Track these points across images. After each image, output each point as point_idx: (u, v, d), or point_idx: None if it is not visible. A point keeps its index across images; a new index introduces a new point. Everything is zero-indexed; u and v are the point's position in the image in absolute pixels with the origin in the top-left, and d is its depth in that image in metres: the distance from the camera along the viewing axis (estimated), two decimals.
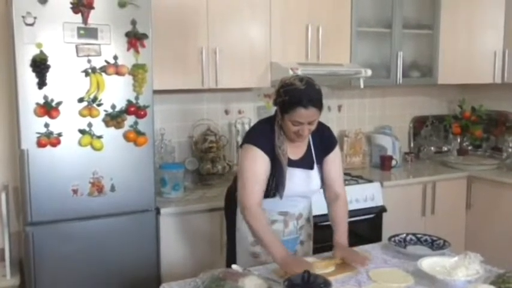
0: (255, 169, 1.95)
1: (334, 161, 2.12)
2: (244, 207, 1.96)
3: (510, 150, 3.85)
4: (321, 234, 2.34)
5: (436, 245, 2.11)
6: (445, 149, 4.19)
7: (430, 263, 1.83)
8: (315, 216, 2.31)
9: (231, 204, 2.20)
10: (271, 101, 3.06)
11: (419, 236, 2.18)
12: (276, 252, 1.86)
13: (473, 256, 1.76)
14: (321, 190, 2.17)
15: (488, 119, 3.98)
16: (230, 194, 2.26)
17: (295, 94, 1.88)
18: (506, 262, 2.41)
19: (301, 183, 2.04)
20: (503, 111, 3.92)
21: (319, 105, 1.91)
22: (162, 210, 2.63)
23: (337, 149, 2.14)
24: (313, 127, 1.95)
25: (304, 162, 2.06)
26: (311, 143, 2.09)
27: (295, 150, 2.04)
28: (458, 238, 3.56)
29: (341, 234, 2.03)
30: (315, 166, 2.08)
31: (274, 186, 2.00)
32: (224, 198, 2.35)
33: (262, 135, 2.00)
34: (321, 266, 1.86)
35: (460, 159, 3.85)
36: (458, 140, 4.15)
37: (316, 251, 2.23)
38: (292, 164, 2.02)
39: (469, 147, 4.11)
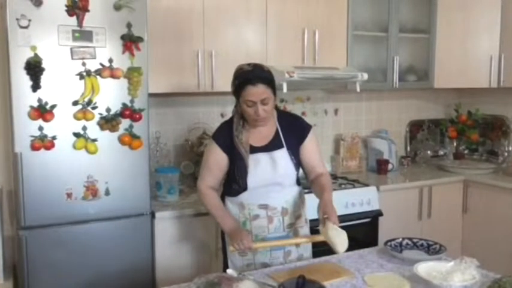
0: (209, 160, 2.15)
1: (311, 145, 2.18)
2: (199, 191, 2.18)
3: (506, 154, 3.87)
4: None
5: (432, 249, 2.10)
6: (441, 153, 4.19)
7: (426, 267, 1.83)
8: (311, 221, 2.29)
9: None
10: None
11: (415, 240, 2.17)
12: (225, 224, 2.07)
13: (470, 261, 1.75)
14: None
15: (484, 123, 3.98)
16: (222, 196, 2.26)
17: (243, 75, 2.02)
18: (503, 267, 2.42)
19: (266, 168, 2.08)
20: (499, 116, 3.93)
21: (268, 83, 2.01)
22: (157, 214, 2.61)
23: (311, 135, 2.19)
24: (268, 107, 2.02)
25: (269, 147, 2.11)
26: (279, 128, 2.14)
27: (261, 137, 2.11)
28: (455, 242, 3.55)
29: (325, 193, 2.03)
30: (283, 149, 2.11)
31: (240, 175, 2.07)
32: None
33: (222, 129, 2.16)
34: (275, 245, 2.03)
35: (456, 163, 3.85)
36: (455, 144, 4.16)
37: (315, 255, 2.21)
38: (256, 149, 2.09)
39: (465, 151, 4.11)
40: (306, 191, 2.27)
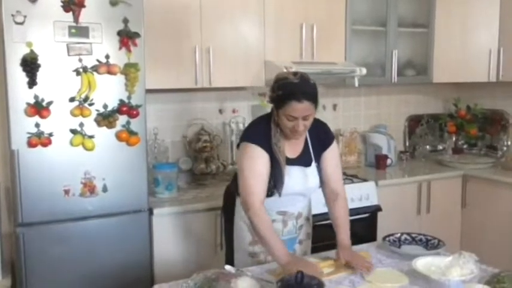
0: (255, 168, 1.92)
1: (331, 157, 2.10)
2: (248, 208, 1.91)
3: (505, 148, 3.86)
4: (319, 233, 2.33)
5: (430, 244, 2.10)
6: (440, 147, 4.18)
7: (425, 262, 1.82)
8: (313, 216, 2.29)
9: (230, 203, 2.18)
10: (266, 99, 3.05)
11: (414, 235, 2.17)
12: (282, 255, 1.84)
13: (468, 256, 1.74)
14: (320, 188, 2.14)
15: (483, 118, 3.97)
16: (229, 193, 2.23)
17: (289, 88, 1.86)
18: (501, 261, 2.41)
19: (299, 181, 2.02)
20: (498, 110, 3.92)
21: (313, 100, 1.88)
22: (155, 211, 2.61)
23: (334, 145, 2.11)
24: (308, 123, 1.92)
25: (302, 160, 2.03)
26: (308, 140, 2.06)
27: (292, 148, 2.02)
28: (454, 237, 3.55)
29: (344, 236, 1.99)
30: (313, 164, 2.06)
31: (273, 185, 1.97)
32: (223, 196, 2.31)
33: (260, 132, 1.98)
34: (323, 267, 1.85)
35: (455, 158, 3.85)
36: (454, 139, 4.15)
37: (315, 250, 2.21)
38: (289, 162, 1.99)
39: (464, 146, 4.11)
40: None
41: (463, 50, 3.62)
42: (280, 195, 1.99)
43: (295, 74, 1.91)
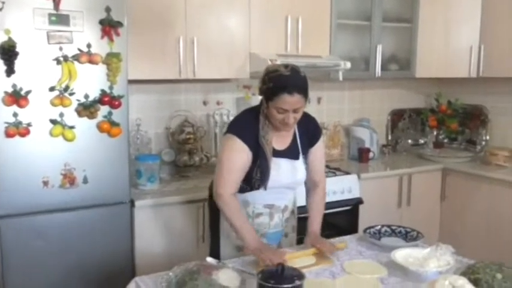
0: (233, 159, 1.94)
1: (318, 152, 2.13)
2: (218, 195, 1.96)
3: (484, 143, 3.92)
4: (304, 225, 2.32)
5: (409, 236, 2.13)
6: (421, 141, 4.24)
7: (404, 254, 1.85)
8: (298, 208, 2.29)
9: None
10: (251, 92, 3.04)
11: (393, 227, 2.19)
12: (250, 239, 1.89)
13: (445, 248, 1.79)
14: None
15: (463, 113, 4.02)
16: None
17: (280, 80, 1.86)
18: (478, 253, 2.46)
19: (287, 173, 2.02)
20: (478, 105, 3.97)
21: (304, 93, 1.88)
22: (137, 203, 2.59)
23: (321, 140, 2.15)
24: (298, 115, 1.92)
25: (290, 153, 2.04)
26: (297, 133, 2.07)
27: (280, 140, 2.02)
28: (433, 229, 3.61)
29: (315, 223, 2.07)
30: (301, 156, 2.06)
31: (259, 177, 1.98)
32: (209, 189, 2.29)
33: (246, 125, 1.98)
34: (298, 257, 1.86)
35: (435, 152, 3.90)
36: (435, 133, 4.20)
37: (300, 241, 2.21)
38: (278, 154, 1.99)
39: (445, 140, 4.16)
40: None
41: (445, 46, 3.66)
42: (265, 188, 1.99)
43: (286, 66, 1.90)
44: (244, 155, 1.94)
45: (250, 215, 2.05)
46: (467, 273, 1.64)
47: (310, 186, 2.16)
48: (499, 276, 1.59)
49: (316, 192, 2.15)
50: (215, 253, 2.13)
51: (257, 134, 1.95)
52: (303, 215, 2.21)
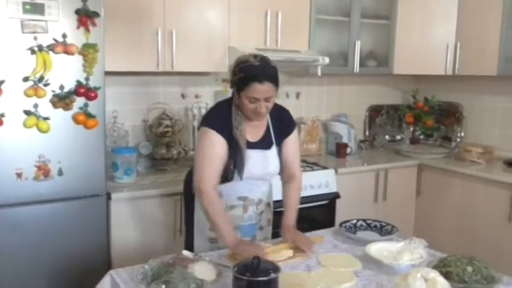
0: (211, 153, 1.95)
1: (293, 143, 2.14)
2: (200, 191, 1.95)
3: (458, 139, 4.00)
4: (280, 219, 2.33)
5: (384, 230, 2.16)
6: (398, 137, 4.29)
7: (378, 248, 1.88)
8: (274, 202, 2.30)
9: (191, 189, 2.16)
10: (228, 85, 3.04)
11: (369, 221, 2.22)
12: (229, 237, 1.89)
13: (418, 241, 1.82)
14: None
15: (439, 110, 4.09)
16: (190, 178, 2.21)
17: (250, 70, 1.89)
18: (450, 246, 2.52)
19: (259, 164, 2.03)
20: (453, 102, 4.04)
21: (274, 81, 1.91)
22: (113, 196, 2.56)
23: (295, 132, 2.16)
24: (270, 105, 1.95)
25: (262, 144, 2.05)
26: (270, 124, 2.08)
27: (253, 132, 2.03)
28: (408, 224, 3.67)
29: (290, 216, 2.07)
30: (274, 147, 2.08)
31: (233, 168, 1.99)
32: (184, 182, 2.31)
33: (220, 117, 1.99)
34: (276, 251, 1.87)
35: (412, 148, 3.96)
36: (411, 129, 4.26)
37: (275, 235, 2.22)
38: (250, 145, 2.01)
39: (421, 137, 4.23)
40: None
41: (423, 44, 3.71)
42: (241, 178, 2.00)
43: (255, 56, 1.94)
44: (221, 147, 1.96)
45: (223, 207, 2.05)
46: (439, 266, 1.69)
47: (286, 179, 2.17)
48: (469, 269, 1.64)
49: (292, 185, 2.15)
50: (189, 245, 2.13)
51: (231, 126, 1.97)
52: (279, 209, 2.23)
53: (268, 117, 2.06)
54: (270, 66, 1.93)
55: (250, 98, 1.90)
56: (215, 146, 1.95)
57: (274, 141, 2.08)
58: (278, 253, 1.86)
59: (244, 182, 2.03)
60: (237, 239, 1.91)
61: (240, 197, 2.08)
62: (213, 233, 2.07)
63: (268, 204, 2.23)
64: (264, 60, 1.93)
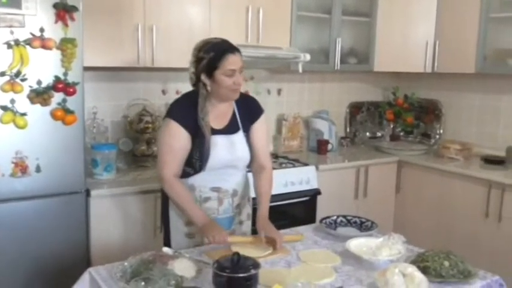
0: (172, 143, 1.99)
1: (260, 130, 2.15)
2: (161, 179, 2.02)
3: (437, 136, 4.06)
4: None
5: (364, 226, 2.18)
6: (379, 134, 4.34)
7: (358, 243, 1.90)
8: (253, 198, 2.30)
9: None
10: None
11: (349, 218, 2.24)
12: (197, 218, 1.96)
13: (397, 237, 1.84)
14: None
15: (419, 107, 4.14)
16: None
17: (218, 46, 1.96)
18: (429, 242, 2.56)
19: (225, 150, 2.04)
20: (433, 100, 4.10)
21: (240, 53, 1.99)
22: (93, 192, 2.54)
23: (262, 118, 2.17)
24: (242, 77, 2.01)
25: (228, 130, 2.07)
26: (236, 111, 2.10)
27: (219, 119, 2.06)
28: (388, 220, 3.72)
29: (263, 207, 2.07)
30: (240, 132, 2.08)
31: (198, 157, 2.01)
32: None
33: (183, 109, 2.02)
34: (243, 241, 1.94)
35: (392, 145, 4.00)
36: (391, 126, 4.31)
37: (255, 231, 2.22)
38: (216, 132, 2.03)
39: (401, 133, 4.28)
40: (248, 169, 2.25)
41: (402, 41, 3.75)
42: (203, 168, 2.02)
43: (214, 38, 2.03)
44: (181, 137, 1.99)
45: (198, 199, 2.07)
46: (417, 261, 1.71)
47: (257, 169, 2.17)
48: (446, 263, 1.67)
49: (264, 176, 2.15)
50: (168, 241, 2.13)
51: (195, 116, 1.98)
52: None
53: (234, 104, 2.09)
54: (229, 41, 2.01)
55: (227, 71, 1.93)
56: (175, 136, 1.98)
57: (241, 127, 2.09)
58: (255, 249, 1.86)
59: (215, 172, 2.04)
60: (206, 219, 1.96)
61: (213, 188, 2.08)
62: (189, 228, 2.07)
63: (245, 198, 2.22)
64: (221, 38, 2.01)
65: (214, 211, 2.08)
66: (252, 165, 2.18)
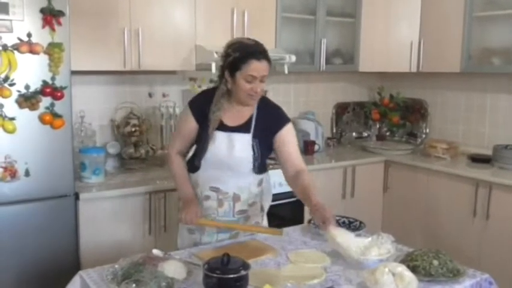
0: (180, 126, 2.16)
1: (287, 136, 2.10)
2: (167, 156, 2.20)
3: (424, 136, 4.11)
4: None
5: (353, 226, 2.19)
6: (365, 134, 4.38)
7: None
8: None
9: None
10: (197, 84, 3.07)
11: (337, 218, 2.23)
12: (181, 192, 2.10)
13: (386, 237, 1.85)
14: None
15: (405, 106, 4.18)
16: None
17: (246, 48, 1.93)
18: (417, 241, 2.58)
19: (223, 146, 2.02)
20: (418, 99, 4.14)
21: (269, 61, 1.95)
22: (82, 196, 2.54)
23: (289, 127, 2.11)
24: (263, 86, 1.97)
25: (235, 129, 2.04)
26: (255, 114, 2.06)
27: (234, 118, 2.04)
28: (376, 219, 3.75)
29: (317, 198, 1.98)
30: (246, 135, 2.03)
31: (199, 150, 2.05)
32: None
33: (200, 98, 2.11)
34: (217, 225, 2.05)
35: (378, 144, 4.04)
36: (378, 126, 4.35)
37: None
38: (222, 128, 2.02)
39: (387, 133, 4.32)
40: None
41: (387, 41, 3.79)
42: (200, 160, 2.04)
43: (248, 39, 2.01)
44: (189, 125, 2.08)
45: (199, 196, 2.10)
46: (406, 260, 1.73)
47: (293, 175, 2.08)
48: (435, 262, 1.69)
49: (303, 176, 2.06)
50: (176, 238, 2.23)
51: (209, 108, 2.01)
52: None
53: (255, 108, 2.05)
54: (263, 46, 1.97)
55: (247, 76, 1.91)
56: (185, 121, 2.10)
57: (252, 131, 2.05)
58: (246, 250, 1.88)
59: (215, 171, 2.05)
60: (189, 197, 2.06)
61: (212, 187, 2.08)
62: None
63: (256, 206, 2.18)
64: (256, 41, 1.98)
65: (213, 211, 2.10)
66: (287, 170, 2.11)
